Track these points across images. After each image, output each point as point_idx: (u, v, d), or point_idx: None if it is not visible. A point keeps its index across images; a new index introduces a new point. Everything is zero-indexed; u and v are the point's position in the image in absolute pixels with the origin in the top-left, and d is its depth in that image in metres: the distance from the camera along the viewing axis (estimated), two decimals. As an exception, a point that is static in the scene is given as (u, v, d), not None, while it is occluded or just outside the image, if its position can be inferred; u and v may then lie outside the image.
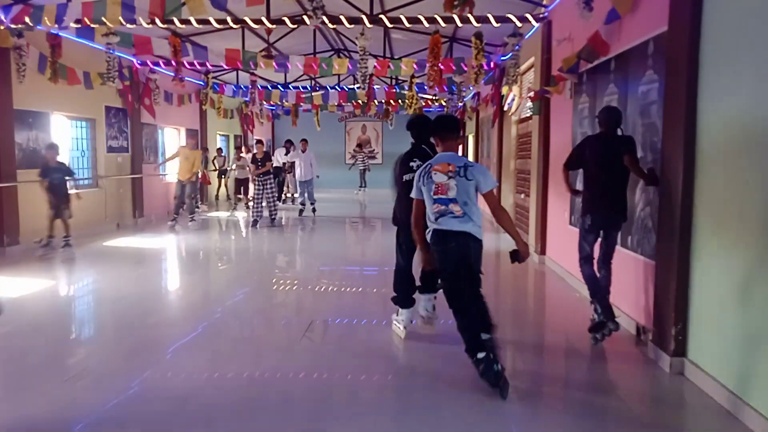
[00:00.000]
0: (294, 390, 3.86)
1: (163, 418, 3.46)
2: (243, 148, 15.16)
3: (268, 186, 11.73)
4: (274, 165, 14.81)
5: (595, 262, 4.87)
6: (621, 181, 4.66)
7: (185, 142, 11.89)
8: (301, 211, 13.92)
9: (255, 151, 12.13)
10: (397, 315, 5.07)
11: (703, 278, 3.92)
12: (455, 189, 3.87)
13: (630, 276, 5.14)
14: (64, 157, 10.57)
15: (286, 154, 16.23)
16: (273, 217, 11.91)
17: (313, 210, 13.95)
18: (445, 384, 3.97)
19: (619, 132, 4.79)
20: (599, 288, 4.74)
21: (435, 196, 3.92)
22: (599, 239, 4.80)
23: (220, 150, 17.60)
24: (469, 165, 3.94)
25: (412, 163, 4.78)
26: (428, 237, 4.05)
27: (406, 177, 4.78)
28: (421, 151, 4.87)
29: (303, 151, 13.80)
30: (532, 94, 8.76)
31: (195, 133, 14.34)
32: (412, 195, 4.15)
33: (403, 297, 5.02)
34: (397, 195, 4.98)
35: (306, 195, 13.90)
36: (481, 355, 3.72)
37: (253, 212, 11.84)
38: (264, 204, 11.75)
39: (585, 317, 5.17)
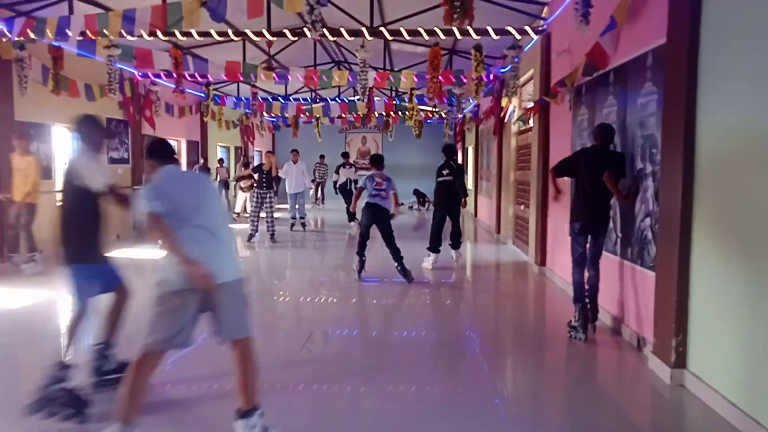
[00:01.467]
0: (293, 402, 3.85)
1: (162, 429, 3.45)
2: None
3: (267, 200, 11.21)
4: (339, 183, 15.03)
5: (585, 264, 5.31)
6: (606, 192, 5.11)
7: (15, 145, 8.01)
8: (292, 225, 13.27)
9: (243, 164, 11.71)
10: (428, 257, 8.72)
11: (703, 289, 3.92)
12: (385, 186, 7.72)
13: (630, 287, 5.14)
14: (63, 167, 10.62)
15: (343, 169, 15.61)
16: (272, 232, 11.29)
17: (303, 225, 13.37)
18: (445, 395, 3.96)
19: (612, 147, 5.28)
20: (583, 296, 5.23)
21: (375, 188, 7.66)
22: (588, 243, 5.29)
23: (221, 161, 17.58)
24: (389, 178, 7.80)
25: (444, 171, 8.77)
26: (364, 204, 7.86)
27: (439, 179, 8.78)
28: (449, 164, 8.82)
29: (294, 162, 13.26)
30: (531, 104, 8.80)
31: (27, 132, 8.52)
32: (360, 184, 7.98)
33: (434, 246, 8.69)
34: (435, 189, 8.95)
35: (297, 208, 13.24)
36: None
37: (250, 226, 11.45)
38: (263, 215, 11.35)
39: (585, 328, 5.16)
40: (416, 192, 20.05)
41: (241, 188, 13.02)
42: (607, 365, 4.74)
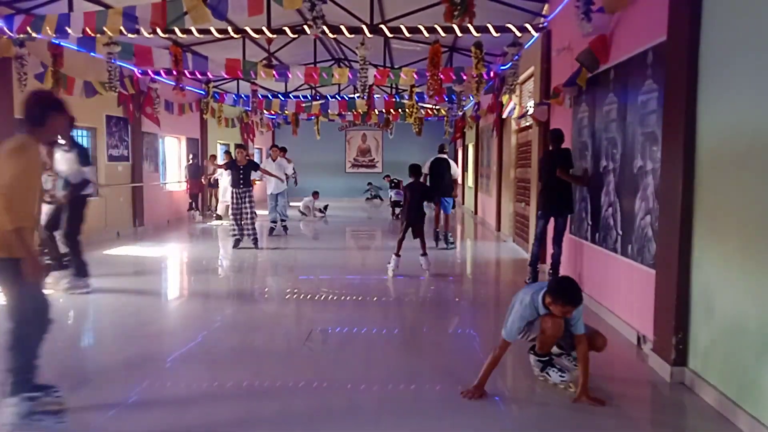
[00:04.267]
0: (293, 399, 3.85)
1: (162, 427, 3.45)
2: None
3: (247, 200, 9.99)
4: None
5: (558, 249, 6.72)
6: (561, 184, 6.53)
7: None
8: (271, 230, 11.93)
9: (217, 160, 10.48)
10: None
11: (703, 287, 3.92)
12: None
13: (630, 284, 5.14)
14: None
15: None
16: (254, 236, 10.09)
17: (284, 228, 12.22)
18: (445, 393, 3.96)
19: (561, 146, 6.69)
20: (536, 263, 7.05)
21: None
22: (550, 225, 6.78)
23: (213, 157, 17.25)
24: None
25: (444, 164, 10.55)
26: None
27: (440, 170, 10.41)
28: (446, 160, 10.63)
29: (273, 160, 12.07)
30: (532, 104, 8.80)
31: None
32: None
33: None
34: (434, 178, 10.27)
35: (278, 210, 11.99)
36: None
37: (231, 230, 10.29)
38: (247, 217, 10.07)
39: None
40: (370, 185, 22.15)
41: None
42: (608, 363, 4.73)
